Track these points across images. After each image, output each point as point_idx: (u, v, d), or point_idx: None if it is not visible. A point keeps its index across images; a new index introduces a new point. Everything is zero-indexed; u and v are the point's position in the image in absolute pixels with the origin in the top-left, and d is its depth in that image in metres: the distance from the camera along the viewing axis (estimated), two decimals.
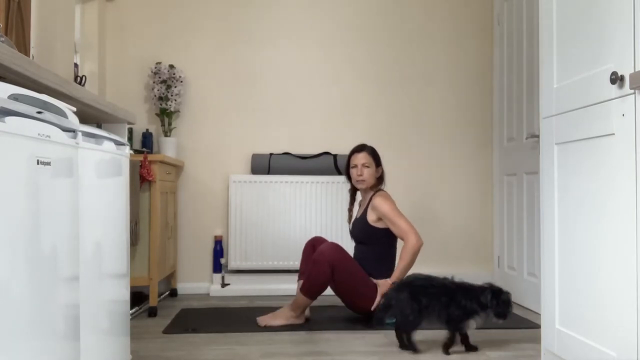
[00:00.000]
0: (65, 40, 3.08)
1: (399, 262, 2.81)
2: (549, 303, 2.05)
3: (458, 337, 2.35)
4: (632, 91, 1.55)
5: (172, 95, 3.64)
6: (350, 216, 3.17)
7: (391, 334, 2.51)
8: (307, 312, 2.89)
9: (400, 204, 3.05)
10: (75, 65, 3.28)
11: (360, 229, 2.99)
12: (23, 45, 2.48)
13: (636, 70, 1.54)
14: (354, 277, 2.80)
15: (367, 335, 2.65)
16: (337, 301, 2.97)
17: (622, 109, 1.60)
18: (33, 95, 1.17)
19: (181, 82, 3.69)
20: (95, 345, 1.51)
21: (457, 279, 2.38)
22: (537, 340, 2.28)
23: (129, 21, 3.81)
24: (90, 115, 1.82)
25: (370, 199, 2.96)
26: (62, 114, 1.29)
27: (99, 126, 1.96)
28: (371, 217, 2.93)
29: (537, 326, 2.54)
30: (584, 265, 1.82)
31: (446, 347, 2.32)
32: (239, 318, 2.96)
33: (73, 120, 1.36)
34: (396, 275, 2.78)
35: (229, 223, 3.69)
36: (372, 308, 2.77)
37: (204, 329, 2.73)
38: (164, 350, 2.39)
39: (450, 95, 3.96)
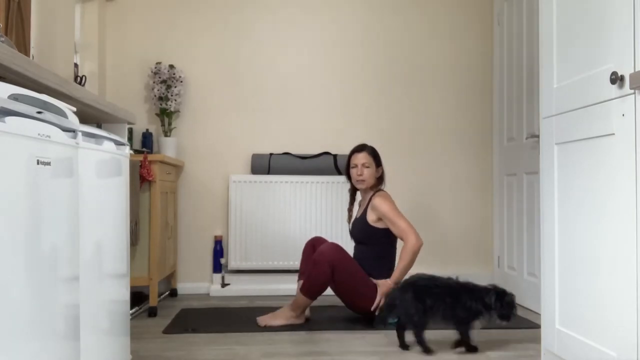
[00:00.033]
0: (65, 40, 3.08)
1: (399, 262, 2.81)
2: (549, 303, 2.05)
3: (458, 336, 2.35)
4: (632, 91, 1.55)
5: (172, 95, 3.64)
6: (350, 216, 3.17)
7: (391, 334, 2.51)
8: (307, 312, 2.89)
9: (400, 204, 3.05)
10: (75, 65, 3.28)
11: (360, 229, 2.99)
12: (23, 45, 2.48)
13: (636, 70, 1.54)
14: (354, 277, 2.80)
15: (367, 335, 2.65)
16: (337, 301, 2.96)
17: (622, 109, 1.60)
18: (33, 95, 1.17)
19: (181, 82, 3.69)
20: (95, 345, 1.51)
21: (462, 279, 2.38)
22: (537, 340, 2.28)
23: (129, 21, 3.81)
24: (90, 115, 1.82)
25: (370, 199, 2.96)
26: (62, 114, 1.29)
27: (99, 126, 1.96)
28: (371, 217, 2.93)
29: (537, 326, 2.54)
30: (584, 265, 1.82)
31: (467, 345, 2.33)
32: (239, 318, 2.96)
33: (73, 120, 1.36)
34: (396, 275, 2.78)
35: (229, 223, 3.69)
36: (372, 308, 2.77)
37: (204, 329, 2.73)
38: (164, 350, 2.39)
39: (450, 95, 3.96)
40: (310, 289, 2.75)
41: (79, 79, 3.21)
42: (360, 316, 2.90)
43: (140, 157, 3.03)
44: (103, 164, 1.57)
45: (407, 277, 2.46)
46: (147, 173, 3.02)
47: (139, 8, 3.82)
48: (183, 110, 3.79)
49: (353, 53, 3.91)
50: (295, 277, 3.17)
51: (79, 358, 1.36)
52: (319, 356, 2.31)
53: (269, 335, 2.64)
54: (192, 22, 3.84)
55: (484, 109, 3.97)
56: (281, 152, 3.81)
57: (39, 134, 1.12)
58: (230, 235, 3.67)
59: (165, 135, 3.67)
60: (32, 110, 1.12)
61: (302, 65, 3.88)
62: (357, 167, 2.98)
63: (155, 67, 3.66)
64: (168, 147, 3.62)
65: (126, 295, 1.85)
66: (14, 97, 1.08)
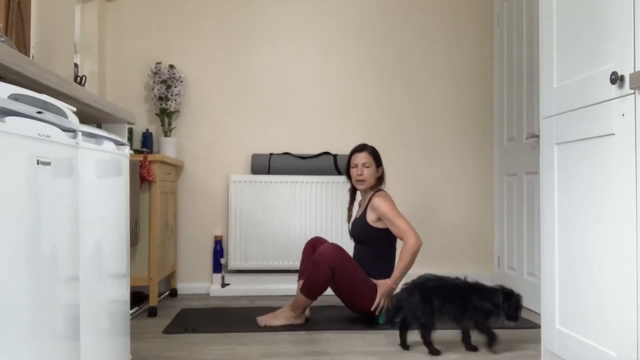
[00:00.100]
0: (65, 40, 3.08)
1: (399, 263, 2.81)
2: (549, 303, 2.05)
3: (460, 336, 2.35)
4: (632, 91, 1.55)
5: (172, 95, 3.64)
6: (349, 216, 3.17)
7: (391, 334, 2.51)
8: (307, 312, 2.89)
9: (400, 204, 3.05)
10: (75, 65, 3.28)
11: (360, 229, 2.99)
12: (23, 45, 2.48)
13: (636, 70, 1.54)
14: (354, 277, 2.80)
15: (367, 335, 2.65)
16: (337, 301, 2.96)
17: (622, 109, 1.60)
18: (33, 95, 1.17)
19: (181, 82, 3.69)
20: (95, 345, 1.51)
21: (470, 279, 2.37)
22: (537, 340, 2.28)
23: (129, 21, 3.81)
24: (90, 115, 1.82)
25: (370, 199, 2.96)
26: (62, 114, 1.29)
27: (99, 126, 1.96)
28: (371, 217, 2.93)
29: (537, 326, 2.54)
30: (584, 265, 1.82)
31: (491, 345, 2.33)
32: (239, 318, 2.96)
33: (73, 120, 1.36)
34: (396, 275, 2.78)
35: (229, 223, 3.69)
36: (372, 308, 2.77)
37: (204, 329, 2.73)
38: (164, 350, 2.39)
39: (450, 95, 3.96)
40: (310, 289, 2.75)
41: (79, 79, 3.21)
42: (360, 316, 2.90)
43: (140, 157, 3.03)
44: (103, 164, 1.57)
45: (414, 277, 2.44)
46: (147, 173, 3.02)
47: (139, 8, 3.82)
48: (183, 110, 3.79)
49: (353, 53, 3.91)
50: (295, 277, 3.17)
51: (79, 358, 1.36)
52: (319, 356, 2.31)
53: (269, 335, 2.64)
54: (192, 22, 3.84)
55: (484, 109, 3.97)
56: (281, 152, 3.81)
57: (39, 134, 1.12)
58: (230, 235, 3.67)
59: (165, 135, 3.67)
60: (32, 110, 1.12)
61: (302, 65, 3.88)
62: (357, 167, 2.98)
63: (155, 67, 3.66)
64: (168, 147, 3.62)
65: (126, 295, 1.85)
66: (14, 97, 1.08)
